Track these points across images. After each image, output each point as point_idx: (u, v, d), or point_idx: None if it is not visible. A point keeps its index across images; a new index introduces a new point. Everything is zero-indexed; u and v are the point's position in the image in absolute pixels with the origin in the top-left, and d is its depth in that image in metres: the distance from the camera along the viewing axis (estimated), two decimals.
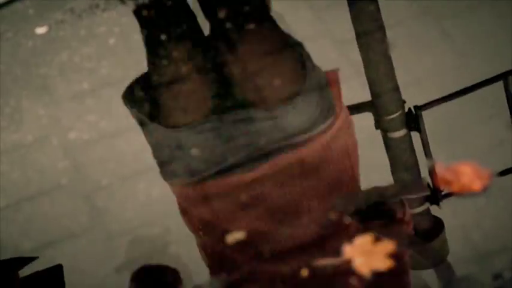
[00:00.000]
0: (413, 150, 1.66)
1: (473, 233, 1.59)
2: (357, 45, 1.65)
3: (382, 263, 1.51)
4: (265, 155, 1.48)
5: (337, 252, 1.42)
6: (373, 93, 1.67)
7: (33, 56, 1.99)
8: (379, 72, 1.65)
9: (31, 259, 1.60)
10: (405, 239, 1.45)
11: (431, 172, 1.65)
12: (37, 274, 1.58)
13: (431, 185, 1.64)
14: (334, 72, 1.59)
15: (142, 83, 1.57)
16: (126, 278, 1.56)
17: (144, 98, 1.54)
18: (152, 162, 1.74)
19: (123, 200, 1.70)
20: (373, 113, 1.70)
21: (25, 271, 1.59)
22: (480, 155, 1.70)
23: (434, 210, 1.63)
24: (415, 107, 1.65)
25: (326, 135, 1.52)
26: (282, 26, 1.67)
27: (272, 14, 1.68)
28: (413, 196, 1.60)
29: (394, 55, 1.73)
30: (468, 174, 1.65)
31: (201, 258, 1.56)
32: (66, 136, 1.82)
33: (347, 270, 1.43)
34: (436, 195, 1.63)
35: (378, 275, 1.40)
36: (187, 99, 1.50)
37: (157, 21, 1.58)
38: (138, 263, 1.59)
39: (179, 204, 1.49)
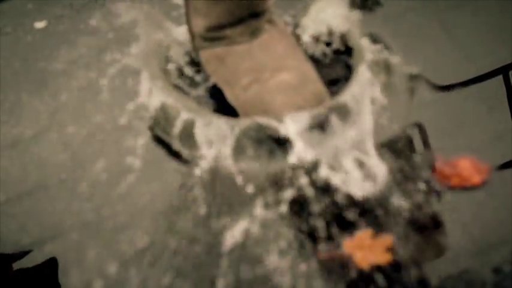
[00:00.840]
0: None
1: (472, 226, 1.59)
2: None
3: (382, 258, 1.51)
4: None
5: None
6: None
7: (32, 51, 1.99)
8: None
9: (25, 253, 1.61)
10: None
11: (431, 166, 1.65)
12: (31, 268, 1.59)
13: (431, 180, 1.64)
14: None
15: None
16: (126, 272, 1.57)
17: None
18: (152, 156, 1.74)
19: (123, 195, 1.69)
20: None
21: (22, 265, 1.60)
22: (479, 149, 1.70)
23: (434, 204, 1.64)
24: None
25: None
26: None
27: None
28: None
29: (394, 48, 1.73)
30: (467, 168, 1.65)
31: (199, 254, 1.57)
32: (66, 130, 1.82)
33: None
34: (435, 190, 1.63)
35: None
36: None
37: None
38: (139, 258, 1.59)
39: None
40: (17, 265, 1.59)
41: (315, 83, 1.62)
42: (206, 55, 1.67)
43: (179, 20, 1.89)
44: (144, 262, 1.57)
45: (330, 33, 1.77)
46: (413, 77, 1.75)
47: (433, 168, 1.65)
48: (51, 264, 1.59)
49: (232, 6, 1.57)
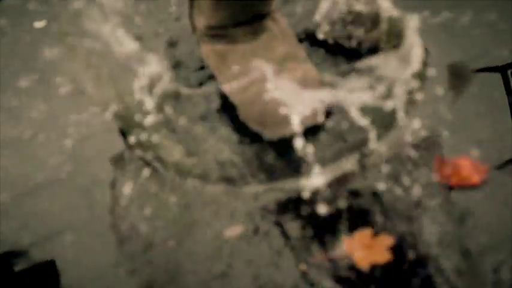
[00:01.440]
0: None
1: (472, 226, 1.59)
2: None
3: (382, 258, 1.52)
4: None
5: None
6: None
7: (32, 50, 1.99)
8: None
9: (26, 253, 1.61)
10: None
11: (430, 166, 1.65)
12: (31, 268, 1.59)
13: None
14: None
15: None
16: (125, 271, 1.57)
17: None
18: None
19: (122, 194, 1.69)
20: None
21: (22, 266, 1.60)
22: (479, 148, 1.70)
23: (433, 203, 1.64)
24: None
25: None
26: None
27: None
28: None
29: None
30: (467, 168, 1.65)
31: (196, 255, 1.57)
32: (65, 130, 1.82)
33: None
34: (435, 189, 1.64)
35: None
36: None
37: None
38: (137, 256, 1.59)
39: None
40: (17, 265, 1.59)
41: (316, 83, 1.62)
42: (207, 50, 1.68)
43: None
44: (138, 261, 1.58)
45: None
46: (453, 67, 1.74)
47: (432, 168, 1.65)
48: (51, 264, 1.59)
49: (236, 12, 1.57)
